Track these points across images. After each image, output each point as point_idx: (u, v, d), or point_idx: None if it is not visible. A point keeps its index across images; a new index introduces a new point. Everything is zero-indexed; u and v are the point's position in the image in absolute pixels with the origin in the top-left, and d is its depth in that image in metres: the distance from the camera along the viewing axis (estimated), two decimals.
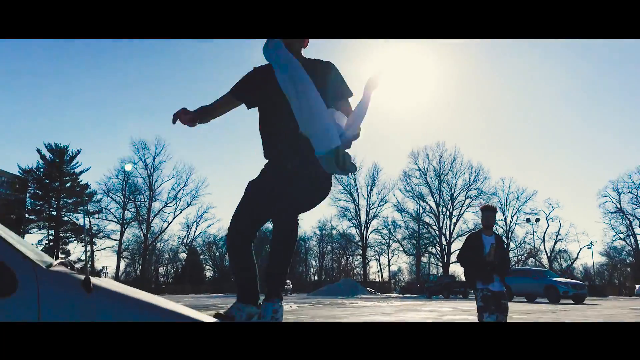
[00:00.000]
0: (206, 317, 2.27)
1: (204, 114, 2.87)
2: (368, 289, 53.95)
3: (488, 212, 6.10)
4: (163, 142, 67.40)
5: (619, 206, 67.10)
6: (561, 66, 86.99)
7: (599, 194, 68.73)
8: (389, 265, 74.16)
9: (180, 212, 68.80)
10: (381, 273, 75.64)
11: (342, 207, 71.61)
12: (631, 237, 67.42)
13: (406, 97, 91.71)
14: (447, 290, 37.78)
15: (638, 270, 63.65)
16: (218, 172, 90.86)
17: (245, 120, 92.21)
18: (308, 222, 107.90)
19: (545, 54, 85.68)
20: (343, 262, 77.49)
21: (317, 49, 3.06)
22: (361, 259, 72.65)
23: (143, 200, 67.11)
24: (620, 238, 67.65)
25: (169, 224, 69.01)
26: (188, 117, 2.80)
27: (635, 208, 67.04)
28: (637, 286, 36.85)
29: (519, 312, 16.20)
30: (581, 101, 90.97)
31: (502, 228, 67.50)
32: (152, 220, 67.40)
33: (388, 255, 72.84)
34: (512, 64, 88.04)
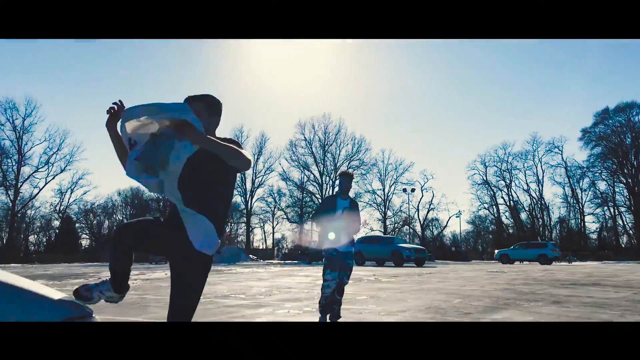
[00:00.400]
0: (57, 294, 2.29)
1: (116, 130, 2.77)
2: (251, 256, 54.43)
3: (344, 178, 6.37)
4: (34, 103, 62.87)
5: (485, 178, 73.20)
6: (442, 49, 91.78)
7: (468, 166, 74.54)
8: (273, 233, 75.33)
9: (53, 178, 65.02)
10: (265, 240, 76.61)
11: None
12: (494, 206, 73.90)
13: (296, 70, 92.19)
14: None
15: (499, 237, 69.96)
16: (95, 137, 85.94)
17: (127, 87, 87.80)
18: None
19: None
20: (227, 230, 77.31)
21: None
22: (245, 227, 73.07)
23: (10, 164, 62.29)
24: (484, 207, 73.94)
25: (40, 190, 64.89)
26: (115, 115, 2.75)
27: (499, 180, 73.45)
28: (496, 251, 40.60)
29: (389, 275, 17.47)
30: (456, 81, 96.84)
31: (380, 197, 70.93)
32: (21, 185, 62.88)
33: (272, 223, 73.97)
34: (396, 44, 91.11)
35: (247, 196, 71.57)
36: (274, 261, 51.60)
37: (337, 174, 6.80)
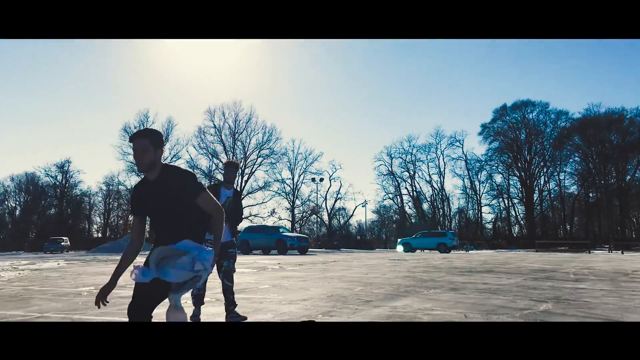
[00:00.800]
0: None
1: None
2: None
3: (229, 168, 6.28)
4: None
5: (390, 169, 75.49)
6: (353, 46, 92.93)
7: (375, 157, 76.48)
8: None
9: None
10: None
11: (131, 162, 68.19)
12: (398, 197, 76.43)
13: (206, 55, 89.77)
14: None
15: (402, 226, 72.37)
16: None
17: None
18: (93, 177, 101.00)
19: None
20: (130, 219, 74.27)
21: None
22: None
23: None
24: (389, 197, 76.31)
25: None
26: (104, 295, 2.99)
27: (404, 171, 75.97)
28: (399, 240, 41.90)
29: (293, 263, 17.35)
30: (366, 76, 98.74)
31: (289, 186, 70.97)
32: None
33: None
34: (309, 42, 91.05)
35: None
36: None
37: (224, 163, 6.72)
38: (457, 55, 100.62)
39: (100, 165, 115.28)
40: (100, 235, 73.46)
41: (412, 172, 76.30)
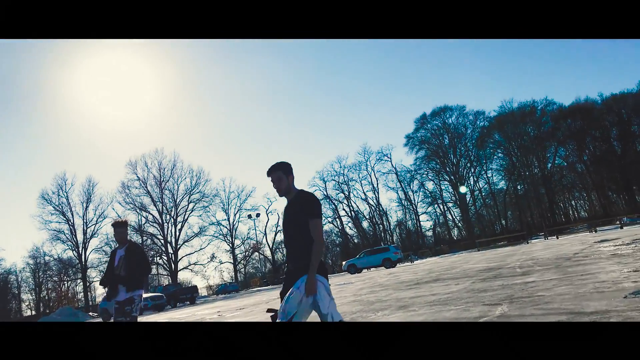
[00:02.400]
0: None
1: None
2: (91, 313, 49.53)
3: (116, 228, 6.23)
4: None
5: (325, 193, 75.24)
6: (272, 73, 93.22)
7: (309, 184, 76.08)
8: None
9: None
10: None
11: (55, 230, 64.66)
12: (337, 219, 76.17)
13: (121, 105, 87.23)
14: (174, 298, 36.84)
15: (345, 248, 72.02)
16: None
17: None
18: (16, 253, 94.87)
19: (257, 60, 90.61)
20: (64, 289, 69.96)
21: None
22: (82, 283, 66.68)
23: None
24: (329, 222, 75.84)
25: None
26: None
27: (339, 193, 75.99)
28: (344, 263, 41.22)
29: (233, 308, 16.32)
30: (289, 104, 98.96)
31: (226, 227, 69.19)
32: None
33: None
34: (227, 68, 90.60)
35: (80, 249, 65.26)
36: None
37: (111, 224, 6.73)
38: (374, 67, 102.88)
39: (21, 238, 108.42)
40: (33, 312, 68.55)
41: (347, 193, 76.63)
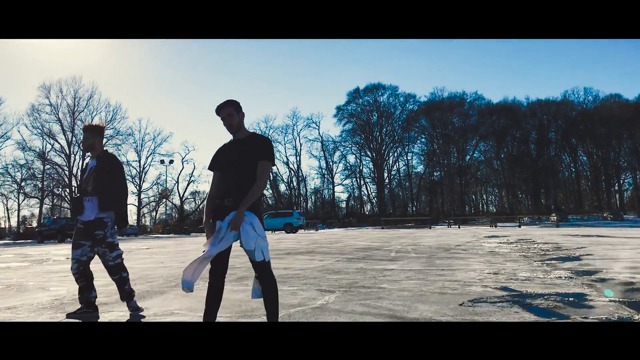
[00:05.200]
0: None
1: None
2: None
3: (84, 132, 5.08)
4: None
5: None
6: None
7: None
8: (19, 210, 64.97)
9: None
10: (8, 219, 65.82)
11: None
12: None
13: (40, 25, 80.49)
14: (61, 233, 34.61)
15: (257, 208, 71.02)
16: None
17: None
18: None
19: None
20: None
21: None
22: None
23: None
24: None
25: None
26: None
27: None
28: None
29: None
30: (224, 55, 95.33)
31: (135, 169, 66.28)
32: None
33: (18, 199, 63.72)
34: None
35: None
36: (1, 241, 44.21)
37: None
38: (315, 39, 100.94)
39: None
40: None
41: None
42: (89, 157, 5.12)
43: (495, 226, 40.12)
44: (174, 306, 4.94)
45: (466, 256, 9.90)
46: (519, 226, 38.63)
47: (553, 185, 71.28)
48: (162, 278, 7.44)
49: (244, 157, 3.39)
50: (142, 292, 5.96)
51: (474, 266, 7.92)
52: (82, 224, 4.79)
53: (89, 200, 4.82)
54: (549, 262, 8.28)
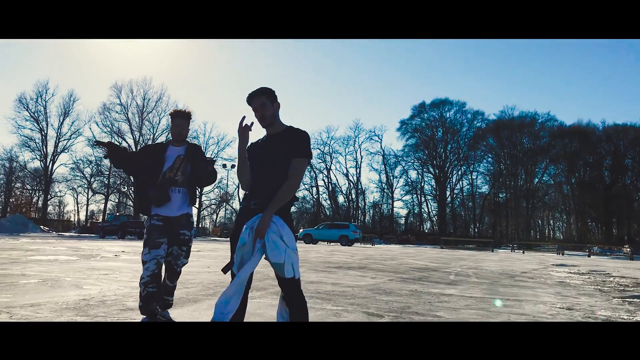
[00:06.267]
0: None
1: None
2: (42, 227, 48.07)
3: (176, 119, 4.48)
4: None
5: None
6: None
7: None
8: (87, 204, 67.63)
9: None
10: (78, 212, 68.53)
11: (26, 137, 62.29)
12: (314, 187, 74.83)
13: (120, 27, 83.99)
14: (121, 230, 35.43)
15: (315, 217, 70.75)
16: None
17: None
18: None
19: None
20: (26, 197, 68.06)
21: None
22: (43, 195, 64.79)
23: None
24: (305, 188, 74.39)
25: None
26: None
27: (321, 162, 74.39)
28: (301, 230, 39.91)
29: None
30: (288, 67, 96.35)
31: None
32: None
33: (87, 194, 66.34)
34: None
35: (47, 161, 63.07)
36: (67, 234, 45.83)
37: (169, 114, 4.30)
38: (379, 50, 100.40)
39: None
40: None
41: (329, 164, 74.80)
42: (165, 143, 4.52)
43: (563, 254, 37.93)
44: (203, 318, 4.46)
45: (533, 285, 8.98)
46: (589, 256, 36.32)
47: (627, 215, 67.14)
48: (201, 285, 7.00)
49: (276, 154, 2.95)
50: (176, 298, 5.53)
51: (543, 298, 7.06)
52: (162, 220, 4.17)
53: (177, 192, 4.26)
54: (631, 299, 7.30)
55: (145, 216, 4.35)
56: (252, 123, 3.00)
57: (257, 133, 3.70)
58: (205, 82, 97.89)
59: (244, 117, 2.93)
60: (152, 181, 4.28)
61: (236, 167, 3.02)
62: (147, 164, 4.34)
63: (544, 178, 71.57)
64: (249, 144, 3.07)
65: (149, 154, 4.44)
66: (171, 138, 4.51)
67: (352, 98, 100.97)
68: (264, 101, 3.03)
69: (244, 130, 2.93)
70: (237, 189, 69.10)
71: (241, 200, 3.07)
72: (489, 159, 73.77)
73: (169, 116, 4.60)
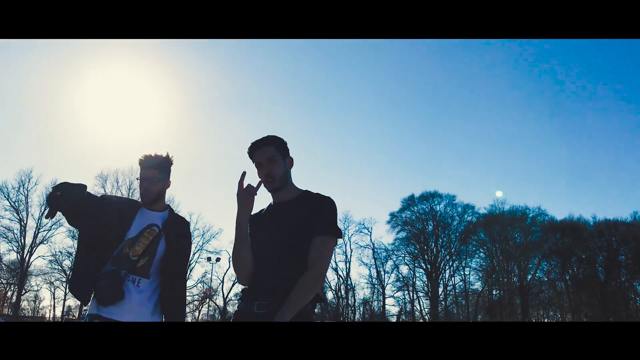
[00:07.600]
0: None
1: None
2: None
3: (150, 171, 3.51)
4: None
5: None
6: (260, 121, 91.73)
7: None
8: (65, 299, 64.64)
9: None
10: (54, 308, 65.29)
11: (5, 227, 60.29)
12: None
13: (101, 117, 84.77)
14: None
15: None
16: None
17: None
18: None
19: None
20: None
21: None
22: (17, 289, 61.69)
23: None
24: None
25: None
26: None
27: None
28: None
29: None
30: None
31: None
32: None
33: (65, 288, 63.54)
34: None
35: (25, 252, 60.65)
36: None
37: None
38: (366, 141, 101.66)
39: None
40: None
41: None
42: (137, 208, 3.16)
43: None
44: None
45: None
46: None
47: (625, 314, 65.19)
48: None
49: (289, 231, 2.18)
50: None
51: None
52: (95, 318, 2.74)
53: (136, 284, 2.83)
54: None
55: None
56: (259, 185, 2.28)
57: (263, 200, 2.55)
58: (192, 171, 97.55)
59: (244, 174, 2.23)
60: (103, 257, 2.91)
61: (232, 250, 2.27)
62: (107, 227, 2.97)
63: (537, 275, 70.11)
64: (252, 215, 2.31)
65: (113, 212, 3.11)
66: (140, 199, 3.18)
67: (342, 189, 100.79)
68: (272, 154, 2.33)
69: (245, 195, 2.23)
70: (220, 284, 66.43)
71: (239, 299, 2.25)
72: (481, 254, 72.50)
73: (139, 162, 3.43)
